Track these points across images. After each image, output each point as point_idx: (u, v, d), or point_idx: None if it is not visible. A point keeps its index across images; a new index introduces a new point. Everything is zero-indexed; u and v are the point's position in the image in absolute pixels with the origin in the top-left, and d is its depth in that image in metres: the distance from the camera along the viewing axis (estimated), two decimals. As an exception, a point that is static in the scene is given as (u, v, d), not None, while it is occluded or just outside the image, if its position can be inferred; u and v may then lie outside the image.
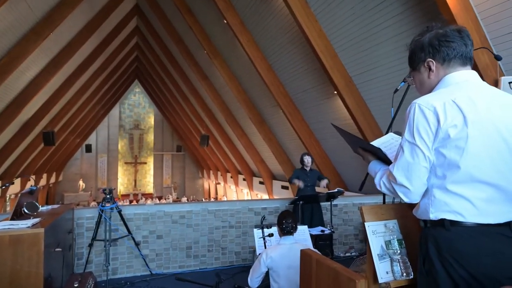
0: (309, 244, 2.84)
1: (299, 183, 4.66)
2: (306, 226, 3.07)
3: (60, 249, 2.74)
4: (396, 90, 1.61)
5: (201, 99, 15.34)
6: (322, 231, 3.98)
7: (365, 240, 4.84)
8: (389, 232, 1.17)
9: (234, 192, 19.37)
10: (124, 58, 17.29)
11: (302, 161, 4.85)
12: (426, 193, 1.12)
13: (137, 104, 26.52)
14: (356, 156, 8.56)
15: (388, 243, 1.17)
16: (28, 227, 2.36)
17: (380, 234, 1.18)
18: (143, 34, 15.85)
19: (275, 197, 13.00)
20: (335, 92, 6.77)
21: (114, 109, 25.08)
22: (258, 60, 8.55)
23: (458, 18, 3.89)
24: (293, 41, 7.32)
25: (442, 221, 1.06)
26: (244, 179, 16.65)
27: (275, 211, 4.56)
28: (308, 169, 4.79)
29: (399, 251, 1.16)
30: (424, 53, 1.19)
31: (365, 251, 4.63)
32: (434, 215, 1.08)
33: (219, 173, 21.66)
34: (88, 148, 23.77)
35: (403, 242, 1.20)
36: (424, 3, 4.49)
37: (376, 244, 1.17)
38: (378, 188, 1.20)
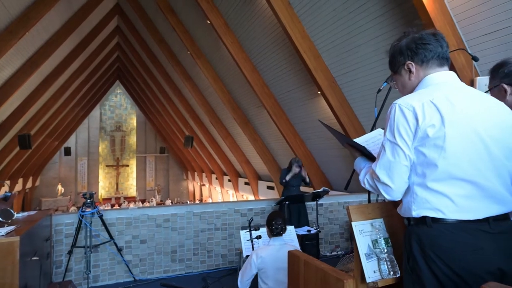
0: (296, 245, 2.84)
1: (294, 171, 4.77)
2: (292, 226, 3.07)
3: (37, 258, 2.62)
4: (379, 90, 1.63)
5: (184, 100, 15.16)
6: (309, 230, 4.00)
7: (351, 238, 4.90)
8: (376, 231, 1.18)
9: (220, 193, 19.24)
10: (105, 58, 16.89)
11: (290, 166, 4.89)
12: (408, 191, 1.14)
13: (119, 105, 25.95)
14: (340, 155, 8.68)
15: (375, 242, 1.17)
16: (2, 235, 2.25)
17: (367, 234, 1.18)
18: (124, 34, 15.53)
19: (261, 197, 12.99)
20: (319, 92, 6.84)
21: (94, 110, 24.44)
22: (242, 61, 8.53)
23: (435, 21, 4.00)
24: (277, 42, 7.35)
25: (424, 218, 1.09)
26: (229, 180, 16.56)
27: (262, 212, 4.55)
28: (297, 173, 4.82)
29: (385, 250, 1.16)
30: (403, 56, 1.24)
31: (351, 250, 4.66)
32: (416, 213, 1.10)
33: (203, 174, 21.48)
34: (67, 151, 23.05)
35: (390, 240, 1.20)
36: (403, 6, 4.59)
37: (363, 244, 1.17)
38: (362, 185, 1.22)
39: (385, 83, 1.50)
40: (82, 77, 15.18)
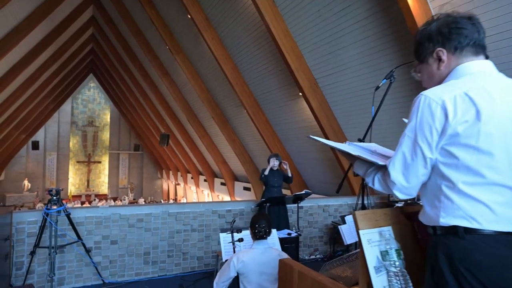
0: (279, 249, 2.73)
1: (273, 163, 4.61)
2: (275, 230, 2.97)
3: (-7, 261, 2.36)
4: (378, 88, 1.54)
5: (161, 97, 14.74)
6: (289, 233, 3.91)
7: (329, 242, 4.85)
8: (385, 241, 1.06)
9: (195, 193, 18.90)
10: (78, 49, 16.10)
11: (269, 162, 4.76)
12: (434, 195, 1.00)
13: (92, 100, 24.92)
14: (318, 158, 8.67)
15: (385, 254, 1.04)
16: (-49, 236, 1.99)
17: (375, 244, 1.06)
18: (100, 25, 14.89)
19: (237, 198, 12.85)
20: (300, 93, 6.80)
21: (66, 104, 23.32)
22: (223, 58, 8.37)
23: (420, 25, 4.05)
24: (259, 40, 7.25)
25: (455, 228, 0.95)
26: (205, 180, 16.29)
27: (240, 214, 4.42)
28: (275, 169, 4.71)
29: (397, 263, 1.03)
30: (432, 42, 1.08)
31: (330, 254, 4.59)
32: (445, 221, 0.96)
33: (179, 173, 21.02)
34: (35, 145, 21.81)
35: (401, 252, 1.06)
36: (388, 10, 4.62)
37: (371, 255, 1.03)
38: (370, 185, 1.10)
39: (384, 80, 1.42)
40: (53, 68, 14.38)
